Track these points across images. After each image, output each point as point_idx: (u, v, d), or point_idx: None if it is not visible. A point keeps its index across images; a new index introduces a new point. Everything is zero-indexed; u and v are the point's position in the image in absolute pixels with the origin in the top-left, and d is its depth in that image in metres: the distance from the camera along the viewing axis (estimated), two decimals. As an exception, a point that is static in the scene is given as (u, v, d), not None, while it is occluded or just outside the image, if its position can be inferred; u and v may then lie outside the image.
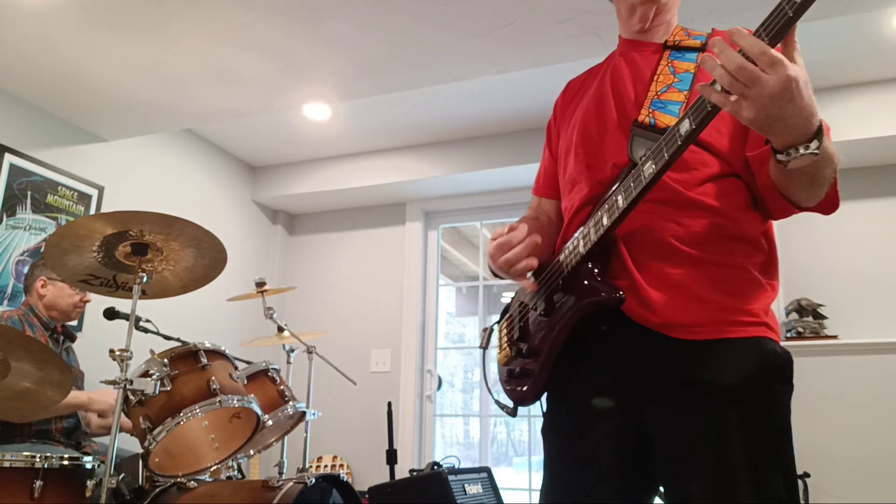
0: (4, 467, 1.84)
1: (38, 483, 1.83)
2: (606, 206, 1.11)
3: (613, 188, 1.12)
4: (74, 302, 2.64)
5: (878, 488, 2.99)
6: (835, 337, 3.25)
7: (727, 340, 1.05)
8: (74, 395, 2.38)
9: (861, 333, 3.29)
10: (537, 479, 3.91)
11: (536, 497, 3.81)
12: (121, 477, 1.88)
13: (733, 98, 0.89)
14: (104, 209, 3.46)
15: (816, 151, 0.91)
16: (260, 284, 2.80)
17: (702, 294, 1.07)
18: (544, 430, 1.24)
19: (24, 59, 2.85)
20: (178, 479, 2.14)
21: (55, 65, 2.89)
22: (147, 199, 3.68)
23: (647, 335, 1.08)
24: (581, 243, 1.14)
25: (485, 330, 1.46)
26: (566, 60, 2.85)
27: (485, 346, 1.45)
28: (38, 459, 1.87)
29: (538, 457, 4.32)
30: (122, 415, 1.95)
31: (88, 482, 1.92)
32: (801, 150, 0.91)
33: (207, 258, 2.13)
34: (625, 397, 1.11)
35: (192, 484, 2.15)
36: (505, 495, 3.22)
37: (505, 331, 1.37)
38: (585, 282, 1.12)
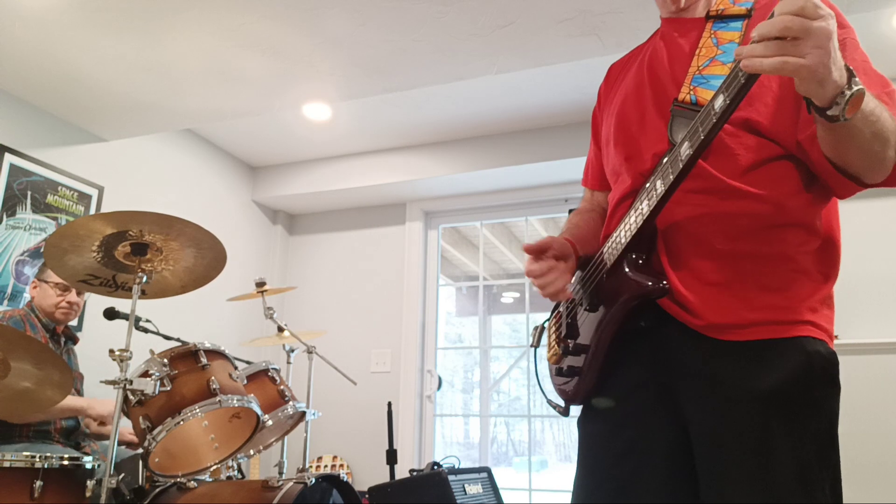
0: (4, 467, 1.84)
1: (38, 483, 1.84)
2: (646, 193, 1.07)
3: (654, 176, 1.07)
4: (55, 302, 2.56)
5: (878, 489, 2.98)
6: (835, 337, 3.24)
7: (768, 342, 1.00)
8: (72, 400, 2.37)
9: (861, 333, 3.29)
10: (537, 479, 3.91)
11: (536, 497, 3.82)
12: (121, 477, 1.89)
13: (787, 58, 0.82)
14: (104, 209, 3.46)
15: (861, 86, 0.85)
16: (260, 284, 2.80)
17: (741, 293, 1.02)
18: (582, 423, 1.19)
19: (23, 59, 2.85)
20: (178, 479, 2.15)
21: (55, 65, 2.89)
22: (147, 199, 3.68)
23: (687, 335, 1.05)
24: (623, 234, 1.11)
25: (536, 328, 1.42)
26: (566, 60, 2.85)
27: (535, 345, 1.41)
28: (38, 459, 1.87)
29: (538, 457, 4.32)
30: (123, 418, 1.95)
31: (88, 482, 1.92)
32: (854, 87, 0.84)
33: (207, 258, 2.13)
34: (668, 397, 1.07)
35: (192, 484, 2.16)
36: (505, 495, 3.22)
37: (553, 328, 1.34)
38: (628, 273, 1.08)
